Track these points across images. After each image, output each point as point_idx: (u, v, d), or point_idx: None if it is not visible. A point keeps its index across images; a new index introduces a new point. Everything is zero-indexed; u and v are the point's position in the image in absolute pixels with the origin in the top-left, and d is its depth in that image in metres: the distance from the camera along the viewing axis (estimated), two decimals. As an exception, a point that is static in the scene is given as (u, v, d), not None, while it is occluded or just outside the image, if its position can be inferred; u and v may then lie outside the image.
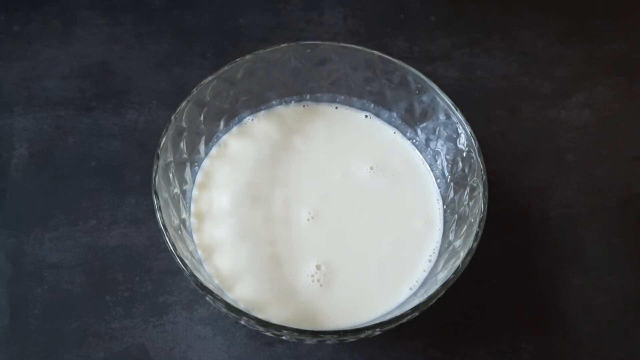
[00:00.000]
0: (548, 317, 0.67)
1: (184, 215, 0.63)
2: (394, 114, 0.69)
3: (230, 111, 0.67)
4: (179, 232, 0.60)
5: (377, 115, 0.70)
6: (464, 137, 0.63)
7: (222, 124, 0.67)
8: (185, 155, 0.64)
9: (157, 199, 0.58)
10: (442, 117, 0.65)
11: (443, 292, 0.56)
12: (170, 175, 0.62)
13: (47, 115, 0.73)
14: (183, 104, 0.62)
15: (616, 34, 0.83)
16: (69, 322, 0.64)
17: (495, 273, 0.68)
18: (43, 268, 0.66)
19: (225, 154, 0.67)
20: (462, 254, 0.57)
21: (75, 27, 0.79)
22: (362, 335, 0.55)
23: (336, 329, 0.59)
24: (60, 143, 0.72)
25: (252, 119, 0.69)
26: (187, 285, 0.66)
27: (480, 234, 0.58)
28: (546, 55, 0.80)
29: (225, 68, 0.64)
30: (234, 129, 0.68)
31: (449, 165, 0.66)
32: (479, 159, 0.61)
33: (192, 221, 0.64)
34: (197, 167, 0.66)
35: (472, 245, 0.57)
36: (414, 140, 0.69)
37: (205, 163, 0.67)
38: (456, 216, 0.64)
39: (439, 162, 0.67)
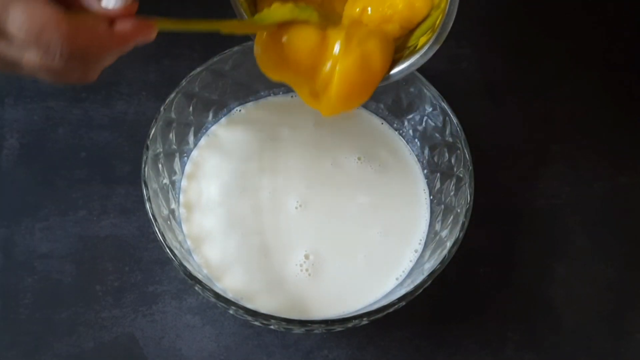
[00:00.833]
0: (534, 306, 0.68)
1: (173, 206, 0.63)
2: (381, 105, 0.69)
3: (219, 102, 0.68)
4: (168, 222, 0.61)
5: (365, 106, 0.70)
6: (451, 128, 0.64)
7: (211, 114, 0.68)
8: (174, 146, 0.64)
9: (147, 189, 0.58)
10: (428, 108, 0.66)
11: (429, 282, 0.56)
12: (160, 165, 0.62)
13: (38, 106, 0.73)
14: (172, 95, 0.62)
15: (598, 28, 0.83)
16: (59, 311, 0.64)
17: (481, 263, 0.69)
18: (33, 258, 0.66)
19: (214, 145, 0.67)
20: (449, 244, 0.58)
21: (65, 18, 0.79)
22: (350, 325, 0.56)
23: (324, 318, 0.59)
24: (50, 134, 0.72)
25: (241, 110, 0.69)
26: (176, 275, 0.66)
27: (466, 224, 0.58)
28: (532, 48, 0.81)
29: (214, 59, 0.64)
30: (223, 120, 0.69)
31: (436, 156, 0.66)
32: (465, 150, 0.62)
33: (181, 211, 0.64)
34: (186, 158, 0.66)
35: (459, 235, 0.58)
36: (401, 131, 0.69)
37: (194, 154, 0.67)
38: (442, 206, 0.64)
39: (425, 152, 0.67)
